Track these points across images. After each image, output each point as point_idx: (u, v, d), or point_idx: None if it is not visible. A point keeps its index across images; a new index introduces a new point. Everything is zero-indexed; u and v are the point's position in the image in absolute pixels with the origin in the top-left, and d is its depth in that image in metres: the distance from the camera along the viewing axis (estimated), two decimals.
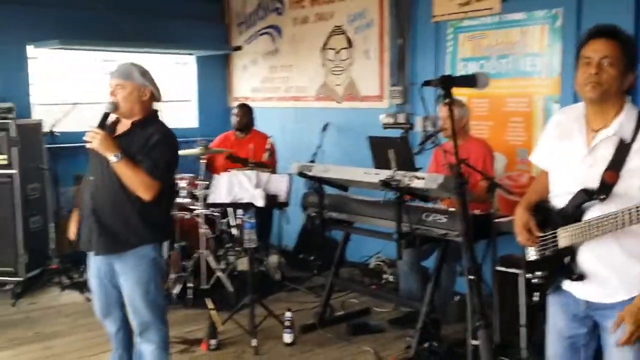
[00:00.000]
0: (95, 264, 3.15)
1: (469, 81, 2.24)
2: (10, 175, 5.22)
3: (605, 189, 2.14)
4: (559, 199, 2.31)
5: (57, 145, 5.77)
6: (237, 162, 5.25)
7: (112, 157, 2.91)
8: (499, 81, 4.72)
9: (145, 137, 2.99)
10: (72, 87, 6.38)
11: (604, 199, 2.13)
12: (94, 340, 4.25)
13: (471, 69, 4.95)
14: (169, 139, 3.06)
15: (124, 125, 3.09)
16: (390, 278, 5.39)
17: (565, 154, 2.29)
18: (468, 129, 4.47)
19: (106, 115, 3.00)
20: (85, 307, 4.70)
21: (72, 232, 3.24)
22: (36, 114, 6.06)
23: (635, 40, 3.63)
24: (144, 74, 3.09)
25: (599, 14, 4.12)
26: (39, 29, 5.91)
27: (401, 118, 5.40)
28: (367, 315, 4.80)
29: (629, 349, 2.19)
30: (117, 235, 3.02)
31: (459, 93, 4.72)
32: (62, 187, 6.00)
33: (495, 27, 4.79)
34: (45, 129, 5.65)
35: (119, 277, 3.10)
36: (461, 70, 5.02)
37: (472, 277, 2.00)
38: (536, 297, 2.29)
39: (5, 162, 5.20)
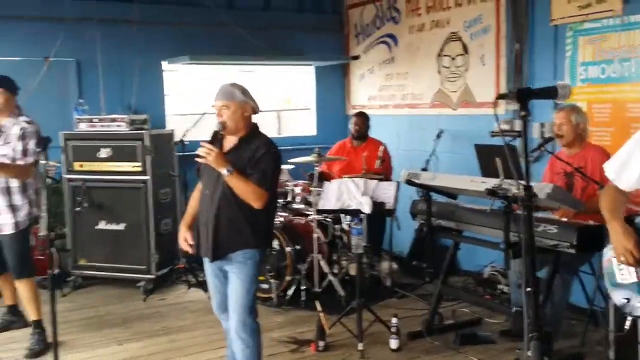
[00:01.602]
0: (210, 265, 3.46)
1: (549, 93, 2.19)
2: (144, 182, 5.69)
3: None
4: None
5: (187, 153, 6.20)
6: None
7: (224, 172, 3.16)
8: (621, 85, 4.48)
9: (252, 151, 3.25)
10: (202, 97, 6.84)
11: None
12: (214, 336, 4.52)
13: (592, 73, 4.73)
14: (274, 151, 3.30)
15: (229, 141, 3.36)
16: (505, 289, 5.24)
17: None
18: (585, 135, 4.28)
19: (216, 134, 3.28)
20: (209, 304, 4.91)
21: (184, 242, 3.52)
22: (170, 124, 6.57)
23: None
24: (244, 92, 3.35)
25: None
26: (172, 46, 6.42)
27: (517, 125, 5.25)
28: (478, 326, 4.73)
29: None
30: (228, 242, 3.29)
31: (575, 99, 4.58)
32: (191, 192, 6.41)
33: (617, 30, 4.55)
34: (176, 138, 6.09)
35: (226, 276, 3.39)
36: (581, 75, 4.81)
37: (529, 289, 1.97)
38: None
39: (139, 169, 5.68)
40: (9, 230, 4.29)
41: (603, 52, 4.66)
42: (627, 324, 3.10)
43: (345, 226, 5.39)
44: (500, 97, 2.32)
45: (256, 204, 3.21)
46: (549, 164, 4.48)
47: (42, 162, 3.76)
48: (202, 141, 3.26)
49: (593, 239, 3.57)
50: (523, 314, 1.99)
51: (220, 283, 3.47)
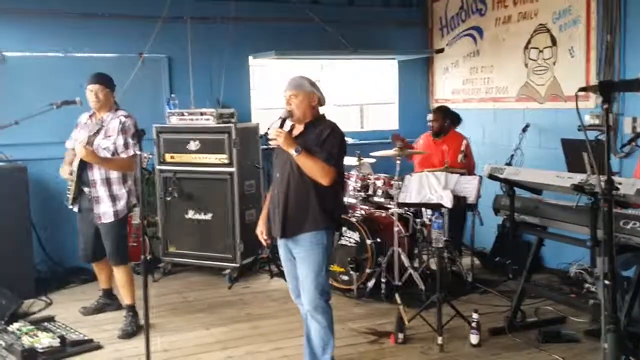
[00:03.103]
0: (283, 250, 3.65)
1: (633, 86, 2.14)
2: (230, 173, 5.87)
3: None
4: None
5: (270, 146, 6.36)
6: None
7: (293, 152, 3.37)
8: None
9: (318, 133, 3.47)
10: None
11: None
12: (295, 324, 4.60)
13: None
14: (338, 132, 3.51)
15: (297, 129, 3.60)
16: (592, 288, 5.09)
17: None
18: None
19: (284, 120, 3.51)
20: (290, 294, 5.14)
21: (261, 234, 3.75)
22: (255, 118, 6.76)
23: None
24: (312, 83, 3.57)
25: None
26: (258, 41, 6.61)
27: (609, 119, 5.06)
28: (561, 324, 4.62)
29: None
30: (298, 220, 3.48)
31: None
32: None
33: None
34: (261, 131, 6.27)
35: (294, 257, 3.58)
36: None
37: (607, 282, 1.94)
38: None
39: (226, 161, 5.87)
40: (109, 219, 4.55)
41: None
42: None
43: (426, 220, 5.38)
44: (582, 89, 2.28)
45: (324, 181, 3.38)
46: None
47: (138, 153, 4.00)
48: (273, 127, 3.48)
49: None
50: (600, 307, 1.95)
51: (293, 267, 3.64)
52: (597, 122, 5.12)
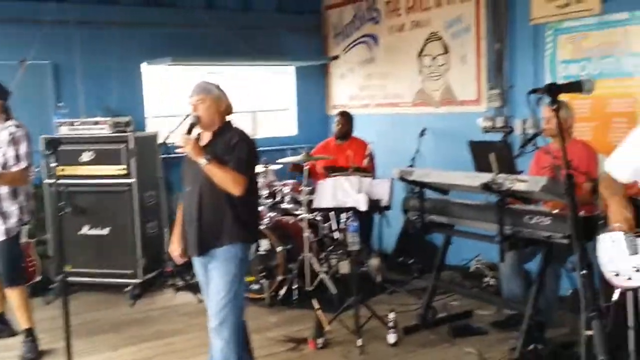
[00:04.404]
0: (199, 268, 3.46)
1: (575, 87, 2.32)
2: (129, 185, 5.64)
3: None
4: None
5: (171, 156, 6.17)
6: (335, 172, 5.43)
7: (202, 161, 3.21)
8: (601, 82, 4.63)
9: (226, 141, 3.32)
10: (181, 99, 6.80)
11: None
12: (208, 339, 4.50)
13: (572, 70, 4.91)
14: (247, 139, 3.38)
15: (204, 138, 3.42)
16: (491, 281, 5.40)
17: None
18: (572, 131, 4.43)
19: (192, 126, 3.34)
20: (199, 307, 5.00)
21: (176, 250, 3.56)
22: (150, 127, 6.53)
23: None
24: (219, 88, 3.43)
25: None
26: (152, 47, 6.40)
27: (499, 121, 5.41)
28: (470, 318, 4.85)
29: None
30: (213, 234, 3.31)
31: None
32: (176, 193, 6.40)
33: (596, 28, 4.73)
34: (160, 140, 6.05)
35: (209, 273, 3.38)
36: (562, 72, 4.98)
37: (583, 272, 2.08)
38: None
39: (124, 172, 5.63)
40: None
41: (582, 50, 4.84)
42: (615, 296, 3.30)
43: (334, 225, 5.45)
44: (532, 92, 2.42)
45: (235, 190, 3.23)
46: (535, 159, 4.61)
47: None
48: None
49: (584, 229, 3.69)
50: (580, 296, 2.08)
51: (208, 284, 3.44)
52: (489, 124, 5.43)
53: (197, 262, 3.46)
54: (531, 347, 3.93)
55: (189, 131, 3.34)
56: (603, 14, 4.66)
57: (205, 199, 3.31)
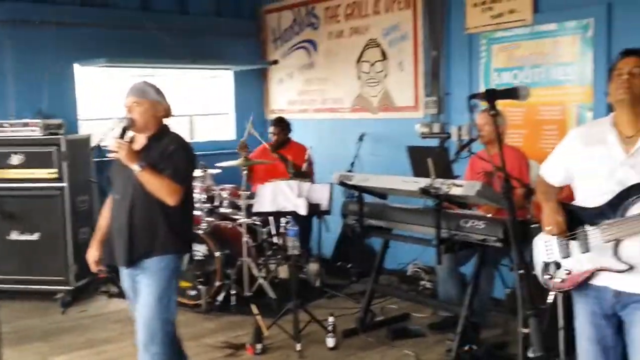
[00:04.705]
0: (128, 279, 3.27)
1: (512, 94, 2.40)
2: (60, 189, 5.46)
3: None
4: (591, 200, 2.49)
5: (104, 159, 6.01)
6: (285, 160, 5.41)
7: (136, 167, 3.03)
8: (532, 90, 4.73)
9: (163, 147, 3.15)
10: (115, 102, 6.64)
11: None
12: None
13: (505, 78, 5.07)
14: (185, 146, 3.22)
15: (139, 142, 3.23)
16: (428, 284, 5.50)
17: (597, 158, 2.48)
18: (504, 137, 4.57)
19: (125, 129, 3.14)
20: (132, 314, 4.88)
21: (93, 257, 3.34)
22: (82, 129, 6.34)
23: None
24: (158, 91, 3.25)
25: (629, 23, 4.23)
26: (85, 48, 6.21)
27: (436, 128, 5.53)
28: (407, 321, 4.92)
29: None
30: (145, 246, 3.13)
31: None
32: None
33: (528, 38, 4.90)
34: (93, 143, 5.89)
35: (138, 285, 3.20)
36: (495, 80, 5.13)
37: (521, 271, 2.15)
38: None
39: (56, 176, 5.44)
40: None
41: (515, 59, 5.01)
42: (550, 298, 3.42)
43: (273, 229, 5.43)
44: (472, 97, 2.48)
45: (170, 200, 3.07)
46: (469, 164, 4.73)
47: None
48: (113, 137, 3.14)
49: (518, 233, 3.82)
50: (517, 295, 2.13)
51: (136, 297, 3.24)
52: (426, 130, 5.54)
53: (126, 274, 3.25)
54: (466, 347, 4.02)
55: (122, 135, 3.13)
56: (534, 25, 4.83)
57: (136, 207, 3.12)
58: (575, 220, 2.54)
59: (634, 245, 2.38)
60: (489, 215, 4.06)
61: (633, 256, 2.38)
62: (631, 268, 2.38)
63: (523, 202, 4.08)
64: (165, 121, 3.29)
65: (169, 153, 3.12)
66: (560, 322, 3.45)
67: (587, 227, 2.49)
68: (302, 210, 4.35)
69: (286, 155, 5.81)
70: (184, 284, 5.14)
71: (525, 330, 2.17)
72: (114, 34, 6.37)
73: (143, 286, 3.16)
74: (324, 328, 4.43)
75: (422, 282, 5.57)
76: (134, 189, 3.10)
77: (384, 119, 6.13)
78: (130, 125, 3.14)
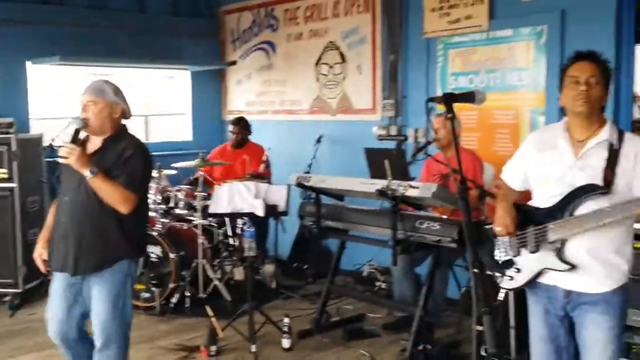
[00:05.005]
0: (61, 282, 3.11)
1: (468, 98, 2.45)
2: (10, 189, 5.32)
3: (606, 185, 2.38)
4: (543, 202, 2.56)
5: (56, 159, 5.86)
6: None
7: (88, 173, 2.90)
8: (487, 95, 4.86)
9: (119, 151, 3.02)
10: (68, 101, 6.51)
11: (606, 193, 2.37)
12: None
13: (461, 83, 5.14)
14: (143, 152, 3.10)
15: (93, 143, 3.10)
16: (383, 285, 5.54)
17: (549, 163, 2.54)
18: (459, 140, 4.63)
19: (77, 131, 2.99)
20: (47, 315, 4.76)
21: (39, 260, 3.20)
22: (34, 129, 6.18)
23: (617, 56, 3.89)
24: (117, 91, 3.11)
25: (582, 31, 4.34)
26: (38, 45, 6.06)
27: (393, 130, 5.58)
28: (362, 321, 4.94)
29: (608, 344, 2.42)
30: (97, 254, 3.02)
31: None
32: None
33: (483, 44, 4.99)
34: (45, 142, 5.75)
35: (90, 291, 3.08)
36: (451, 85, 5.21)
37: (476, 270, 2.18)
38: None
39: (5, 176, 5.30)
40: None
41: (471, 64, 5.09)
42: (500, 296, 3.48)
43: (229, 231, 5.39)
44: (430, 100, 2.53)
45: (123, 208, 2.96)
46: (425, 167, 4.79)
47: None
48: (64, 141, 2.99)
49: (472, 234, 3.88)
50: (472, 294, 2.16)
51: (73, 304, 3.11)
52: (384, 133, 5.59)
53: (62, 277, 3.09)
54: (421, 347, 4.06)
55: (75, 136, 2.97)
56: (490, 31, 4.92)
57: (87, 212, 3.00)
58: (527, 220, 2.59)
59: (577, 245, 2.44)
60: (445, 217, 4.12)
61: (577, 256, 2.44)
62: (574, 267, 2.43)
63: (477, 203, 4.13)
64: (124, 122, 3.17)
65: (126, 158, 3.00)
66: (512, 320, 3.52)
67: (537, 227, 2.54)
68: (259, 212, 4.32)
69: (243, 155, 5.79)
70: (137, 286, 5.05)
71: (479, 328, 2.20)
72: (68, 32, 6.23)
73: (96, 292, 3.06)
74: (279, 329, 4.41)
75: (378, 283, 5.60)
76: (86, 194, 2.98)
77: (342, 121, 6.16)
78: (83, 125, 3.01)
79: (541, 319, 2.59)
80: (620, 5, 4.26)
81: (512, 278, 2.62)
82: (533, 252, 2.55)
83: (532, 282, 2.58)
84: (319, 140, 6.08)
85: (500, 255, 2.67)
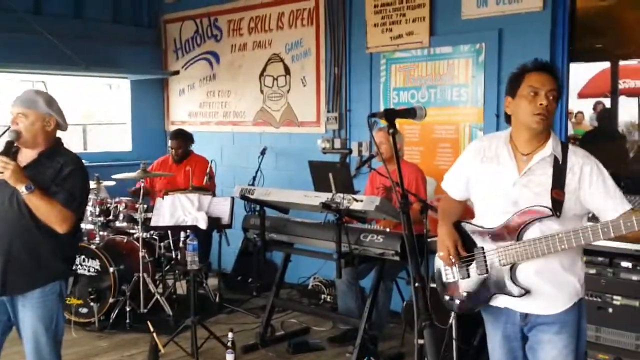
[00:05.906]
0: None
1: (409, 114, 2.44)
2: None
3: (557, 207, 2.31)
4: (488, 219, 2.49)
5: None
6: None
7: (23, 189, 2.75)
8: (428, 110, 4.94)
9: (57, 168, 2.88)
10: (2, 109, 6.26)
11: (559, 216, 2.31)
12: None
13: (403, 98, 5.23)
14: (82, 169, 2.97)
15: (26, 156, 2.94)
16: (328, 298, 5.55)
17: (492, 176, 2.45)
18: (402, 154, 4.71)
19: (11, 144, 2.84)
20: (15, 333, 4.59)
21: None
22: None
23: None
24: (50, 102, 2.94)
25: (518, 49, 4.49)
26: None
27: (337, 143, 5.63)
28: (307, 334, 4.93)
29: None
30: (28, 274, 2.88)
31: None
32: None
33: (424, 60, 5.10)
34: None
35: (18, 312, 2.94)
36: (394, 99, 5.29)
37: (417, 284, 2.19)
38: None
39: None
40: None
41: (412, 79, 5.19)
42: (451, 320, 3.52)
43: (172, 243, 5.30)
44: (372, 115, 2.51)
45: (61, 228, 2.82)
46: (369, 180, 4.86)
47: None
48: None
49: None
50: (413, 306, 2.17)
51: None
52: (328, 145, 5.63)
53: None
54: (365, 359, 4.08)
55: (7, 149, 2.80)
56: (430, 47, 5.03)
57: (18, 230, 2.84)
58: (473, 241, 2.51)
59: (528, 269, 2.38)
60: (388, 230, 4.16)
61: (529, 281, 2.38)
62: (528, 292, 2.38)
63: (419, 216, 4.20)
64: (59, 135, 3.02)
65: (65, 176, 2.87)
66: (454, 341, 3.56)
67: (485, 249, 2.47)
68: (202, 224, 4.28)
69: (186, 167, 5.71)
70: (74, 301, 4.91)
71: (421, 342, 2.22)
72: (1, 37, 6.01)
73: (28, 315, 2.91)
74: (223, 344, 4.35)
75: (323, 296, 5.61)
76: (19, 209, 2.83)
77: (287, 134, 6.16)
78: (16, 138, 2.85)
79: (499, 343, 2.53)
80: (555, 25, 4.43)
81: (462, 301, 2.56)
82: (481, 275, 2.47)
83: (487, 306, 2.52)
84: (263, 153, 6.06)
85: (446, 277, 2.61)
